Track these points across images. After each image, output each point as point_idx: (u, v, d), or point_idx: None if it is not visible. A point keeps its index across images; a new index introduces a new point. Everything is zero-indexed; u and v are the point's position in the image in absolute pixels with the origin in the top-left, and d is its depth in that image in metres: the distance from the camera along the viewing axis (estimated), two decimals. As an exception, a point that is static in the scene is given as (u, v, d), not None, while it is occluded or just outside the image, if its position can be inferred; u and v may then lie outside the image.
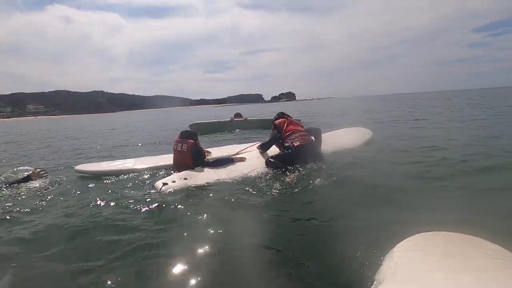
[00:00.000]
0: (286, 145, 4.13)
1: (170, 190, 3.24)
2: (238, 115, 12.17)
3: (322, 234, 2.21)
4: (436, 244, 1.48)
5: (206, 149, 4.46)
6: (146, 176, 4.02)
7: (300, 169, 3.70)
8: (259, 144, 4.54)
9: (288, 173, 3.64)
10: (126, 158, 4.92)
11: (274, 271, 1.73)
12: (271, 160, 3.99)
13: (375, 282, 1.33)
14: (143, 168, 4.20)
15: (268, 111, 24.21)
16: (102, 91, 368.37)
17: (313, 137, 4.44)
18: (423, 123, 9.64)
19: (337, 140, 5.10)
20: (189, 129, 7.08)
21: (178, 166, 3.93)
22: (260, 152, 4.37)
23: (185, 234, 2.23)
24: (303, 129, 4.38)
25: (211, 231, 2.20)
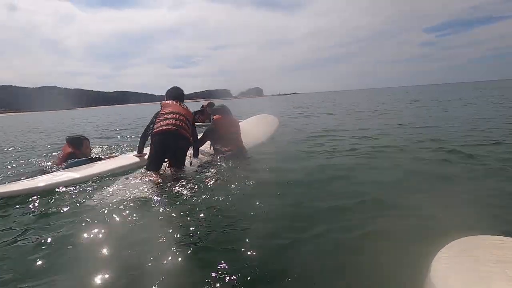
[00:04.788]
0: (217, 147, 3.96)
1: None
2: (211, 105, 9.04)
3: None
4: (485, 249, 1.34)
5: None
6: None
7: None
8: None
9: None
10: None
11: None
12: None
13: None
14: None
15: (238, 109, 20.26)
16: (56, 86, 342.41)
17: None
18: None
19: (251, 128, 5.39)
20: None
21: None
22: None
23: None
24: (239, 133, 4.15)
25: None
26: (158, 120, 3.27)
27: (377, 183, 2.90)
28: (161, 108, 3.41)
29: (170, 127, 3.18)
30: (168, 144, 3.18)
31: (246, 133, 4.62)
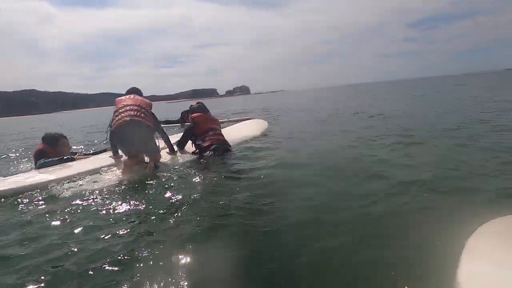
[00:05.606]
0: (198, 143, 4.04)
1: None
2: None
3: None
4: None
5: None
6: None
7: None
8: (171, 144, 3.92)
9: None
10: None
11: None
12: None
13: (459, 266, 1.16)
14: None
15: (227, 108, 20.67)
16: (35, 89, 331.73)
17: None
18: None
19: (241, 132, 5.37)
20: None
21: None
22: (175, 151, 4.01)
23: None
24: (219, 129, 4.34)
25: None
26: (113, 118, 3.25)
27: (407, 168, 2.96)
28: (116, 106, 3.34)
29: (124, 119, 3.14)
30: (127, 136, 3.16)
31: (234, 136, 4.73)
